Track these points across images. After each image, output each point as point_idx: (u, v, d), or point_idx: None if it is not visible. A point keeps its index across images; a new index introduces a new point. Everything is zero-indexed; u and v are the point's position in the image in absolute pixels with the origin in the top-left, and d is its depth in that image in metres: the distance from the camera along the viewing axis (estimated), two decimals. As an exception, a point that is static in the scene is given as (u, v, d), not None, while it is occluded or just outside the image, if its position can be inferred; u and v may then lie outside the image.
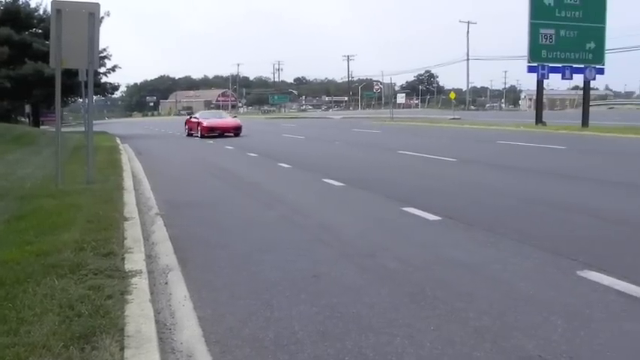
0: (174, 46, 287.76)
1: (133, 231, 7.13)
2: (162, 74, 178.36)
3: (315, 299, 4.85)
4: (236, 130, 31.94)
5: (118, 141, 28.91)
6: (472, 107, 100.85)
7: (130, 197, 9.89)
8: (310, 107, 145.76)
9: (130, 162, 17.51)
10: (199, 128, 31.78)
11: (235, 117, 38.63)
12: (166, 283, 5.45)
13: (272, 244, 6.93)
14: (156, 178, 13.82)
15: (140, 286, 4.93)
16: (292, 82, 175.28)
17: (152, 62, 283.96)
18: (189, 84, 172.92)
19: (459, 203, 9.43)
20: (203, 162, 18.88)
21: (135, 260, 5.74)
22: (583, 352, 3.74)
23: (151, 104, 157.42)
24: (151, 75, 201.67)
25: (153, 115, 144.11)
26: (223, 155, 21.21)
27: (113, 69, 41.46)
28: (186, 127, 34.61)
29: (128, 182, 11.96)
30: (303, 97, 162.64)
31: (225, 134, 31.47)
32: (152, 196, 10.72)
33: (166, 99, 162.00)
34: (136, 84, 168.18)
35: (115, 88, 48.41)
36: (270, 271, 5.74)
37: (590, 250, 6.19)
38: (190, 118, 35.63)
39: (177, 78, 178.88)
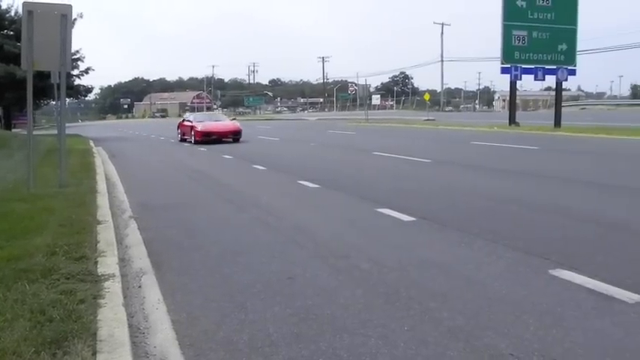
0: (149, 47, 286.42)
1: (106, 234, 7.08)
2: (137, 76, 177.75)
3: (290, 301, 4.84)
4: (235, 135, 27.99)
5: (92, 144, 28.73)
6: (446, 108, 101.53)
7: (103, 200, 9.81)
8: (285, 109, 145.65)
9: (103, 165, 17.40)
10: (193, 133, 27.91)
11: (234, 119, 33.41)
12: (140, 287, 5.41)
13: (246, 246, 6.91)
14: (130, 180, 13.73)
15: (113, 289, 4.89)
16: (267, 83, 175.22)
17: (126, 64, 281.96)
18: (163, 86, 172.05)
19: (433, 204, 9.48)
20: (177, 164, 18.78)
21: (108, 264, 5.70)
22: (555, 350, 3.78)
23: (125, 106, 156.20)
24: (125, 77, 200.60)
25: (127, 117, 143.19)
26: (197, 157, 21.13)
27: (86, 71, 40.98)
28: (179, 131, 30.97)
29: (101, 185, 11.87)
30: (279, 98, 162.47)
31: (223, 140, 27.58)
32: (126, 199, 10.65)
33: (141, 101, 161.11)
34: (109, 86, 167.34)
35: (89, 90, 47.82)
36: (245, 273, 5.73)
37: (562, 250, 6.25)
38: (183, 121, 31.48)
39: (151, 80, 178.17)
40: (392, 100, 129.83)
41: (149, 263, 6.18)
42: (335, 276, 5.57)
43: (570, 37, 32.87)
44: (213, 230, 7.96)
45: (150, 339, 4.19)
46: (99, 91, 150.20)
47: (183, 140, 29.63)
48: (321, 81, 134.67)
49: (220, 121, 30.91)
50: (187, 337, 4.17)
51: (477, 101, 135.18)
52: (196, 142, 27.14)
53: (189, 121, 30.30)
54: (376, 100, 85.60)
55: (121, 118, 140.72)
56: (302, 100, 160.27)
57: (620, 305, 4.54)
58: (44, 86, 26.14)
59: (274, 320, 4.43)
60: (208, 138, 27.07)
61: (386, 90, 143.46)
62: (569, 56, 33.03)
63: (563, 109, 35.11)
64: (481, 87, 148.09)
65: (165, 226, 8.33)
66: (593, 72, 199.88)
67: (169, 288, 5.31)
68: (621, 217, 8.00)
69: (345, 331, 4.17)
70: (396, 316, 4.44)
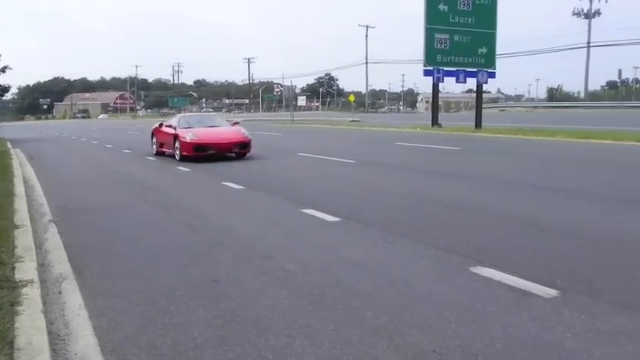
0: (69, 46, 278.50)
1: (24, 239, 6.87)
2: (57, 76, 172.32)
3: (214, 303, 4.82)
4: (242, 148, 18.50)
5: (9, 145, 27.74)
6: (371, 110, 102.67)
7: (21, 204, 9.50)
8: (211, 110, 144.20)
9: (21, 167, 16.85)
10: (178, 145, 18.24)
11: (237, 124, 21.23)
12: (60, 293, 5.27)
13: (170, 249, 6.83)
14: (49, 183, 13.35)
15: (31, 296, 4.75)
16: (192, 84, 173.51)
17: (45, 63, 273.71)
18: (85, 86, 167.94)
19: (357, 204, 9.58)
20: (98, 165, 18.38)
21: (26, 269, 5.53)
22: (475, 346, 3.88)
23: (45, 107, 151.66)
24: (45, 76, 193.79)
25: (47, 118, 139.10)
26: (119, 158, 20.72)
27: (3, 70, 39.48)
28: (155, 141, 20.92)
29: (19, 188, 11.49)
30: (204, 99, 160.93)
31: (226, 154, 18.25)
32: (45, 202, 10.35)
33: (61, 101, 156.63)
34: (28, 86, 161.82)
35: (5, 89, 46.16)
36: (169, 276, 5.66)
37: (482, 247, 6.43)
38: (161, 126, 20.59)
39: (72, 80, 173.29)
40: (317, 102, 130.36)
41: (70, 268, 6.02)
42: (259, 277, 5.56)
43: (490, 41, 33.73)
44: (136, 233, 7.83)
45: (70, 346, 4.09)
46: (16, 90, 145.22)
47: (160, 154, 20.17)
48: (247, 82, 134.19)
49: (218, 126, 20.26)
50: (109, 342, 4.10)
51: (401, 103, 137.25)
52: (184, 159, 17.79)
53: (170, 126, 19.73)
54: (302, 101, 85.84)
55: (40, 118, 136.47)
56: (227, 100, 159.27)
57: (538, 300, 4.70)
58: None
59: (199, 323, 4.40)
60: (202, 153, 17.82)
61: (311, 91, 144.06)
62: (489, 59, 33.90)
63: (483, 111, 36.02)
64: (405, 89, 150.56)
65: (86, 229, 8.15)
66: (512, 75, 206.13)
67: (91, 293, 5.20)
68: (536, 214, 8.26)
69: (270, 333, 4.17)
70: (320, 316, 4.48)
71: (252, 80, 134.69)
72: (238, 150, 18.37)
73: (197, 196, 11.41)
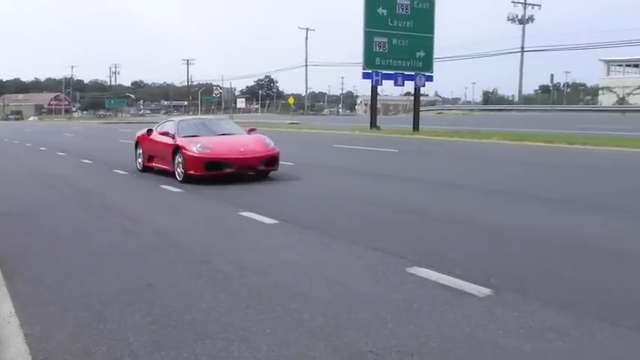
0: (1, 46, 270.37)
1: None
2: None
3: (150, 308, 4.76)
4: (269, 165, 13.44)
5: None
6: (311, 112, 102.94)
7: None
8: (149, 112, 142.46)
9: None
10: (181, 159, 13.13)
11: (254, 130, 15.60)
12: (-11, 300, 5.13)
13: (105, 253, 6.70)
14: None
15: (-41, 304, 4.61)
16: (130, 85, 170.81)
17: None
18: (18, 87, 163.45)
19: (295, 206, 9.60)
20: (28, 166, 17.90)
21: (-47, 276, 5.36)
22: (411, 345, 3.94)
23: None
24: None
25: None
26: (54, 162, 20.23)
27: None
28: (141, 152, 15.69)
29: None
30: (141, 101, 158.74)
31: (248, 171, 13.34)
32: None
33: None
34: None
35: None
36: (103, 281, 5.56)
37: (418, 248, 6.54)
38: (150, 133, 15.26)
39: (4, 80, 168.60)
40: (257, 104, 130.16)
41: (0, 274, 5.85)
42: (196, 281, 5.52)
43: (428, 44, 34.25)
44: (70, 238, 7.66)
45: (0, 355, 3.98)
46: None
47: (147, 169, 15.20)
48: (186, 83, 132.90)
49: (233, 134, 14.83)
50: (42, 350, 4.00)
51: (340, 105, 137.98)
52: (189, 179, 12.79)
53: (166, 134, 14.40)
54: (241, 103, 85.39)
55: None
56: (166, 102, 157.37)
57: (472, 299, 4.81)
58: None
59: (134, 328, 4.33)
60: (217, 172, 12.80)
61: (251, 93, 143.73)
62: (427, 63, 34.41)
63: (421, 114, 36.53)
64: (344, 91, 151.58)
65: (18, 234, 7.92)
66: (449, 79, 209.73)
67: (22, 300, 5.06)
68: (471, 215, 8.44)
69: (207, 337, 4.14)
70: (257, 319, 4.47)
71: (192, 82, 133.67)
72: (264, 167, 13.21)
73: (148, 206, 11.23)
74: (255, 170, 13.23)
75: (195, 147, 12.88)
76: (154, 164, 14.86)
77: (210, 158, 12.74)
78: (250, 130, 15.18)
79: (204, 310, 4.67)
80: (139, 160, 15.67)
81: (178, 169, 13.13)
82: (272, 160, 13.37)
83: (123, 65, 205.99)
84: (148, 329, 4.31)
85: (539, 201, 9.76)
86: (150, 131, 15.20)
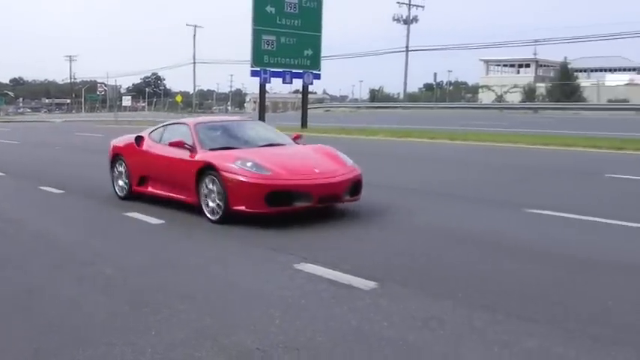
0: None
1: None
2: None
3: (29, 315, 4.56)
4: (354, 193, 8.38)
5: None
6: (199, 110, 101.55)
7: None
8: (29, 110, 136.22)
9: None
10: (221, 187, 7.79)
11: (300, 138, 10.49)
12: None
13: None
14: None
15: None
16: (8, 82, 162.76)
17: None
18: None
19: (182, 208, 9.41)
20: None
21: None
22: (298, 340, 3.95)
23: None
24: None
25: None
26: None
27: None
28: (125, 170, 10.10)
29: None
30: (21, 99, 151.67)
31: (329, 203, 8.42)
32: None
33: None
34: None
35: None
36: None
37: (306, 244, 6.59)
38: (140, 142, 9.92)
39: None
40: (144, 102, 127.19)
41: None
42: (78, 284, 5.33)
43: (315, 43, 34.52)
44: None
45: None
46: None
47: (137, 194, 9.85)
48: (69, 81, 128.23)
49: (283, 144, 9.58)
50: None
51: (229, 103, 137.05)
52: (231, 216, 7.78)
53: (178, 144, 8.87)
54: (127, 101, 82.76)
55: None
56: (47, 100, 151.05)
57: (358, 292, 4.89)
58: None
59: (11, 337, 4.15)
60: (286, 207, 7.84)
61: (137, 91, 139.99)
62: (315, 61, 34.69)
63: (309, 111, 36.82)
64: (233, 89, 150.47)
65: None
66: (337, 77, 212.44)
67: None
68: (360, 210, 8.53)
69: (89, 342, 3.98)
70: (142, 321, 4.36)
71: (75, 79, 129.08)
72: (349, 197, 8.36)
73: (28, 208, 10.68)
74: (340, 201, 8.40)
75: (243, 166, 7.86)
76: (150, 189, 9.61)
77: (275, 185, 7.77)
78: (296, 138, 10.28)
79: (86, 315, 4.51)
80: (120, 183, 10.24)
81: (211, 203, 8.05)
82: (357, 185, 8.49)
83: (0, 62, 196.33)
84: (26, 336, 4.14)
85: (426, 195, 10.10)
86: (139, 139, 9.97)
